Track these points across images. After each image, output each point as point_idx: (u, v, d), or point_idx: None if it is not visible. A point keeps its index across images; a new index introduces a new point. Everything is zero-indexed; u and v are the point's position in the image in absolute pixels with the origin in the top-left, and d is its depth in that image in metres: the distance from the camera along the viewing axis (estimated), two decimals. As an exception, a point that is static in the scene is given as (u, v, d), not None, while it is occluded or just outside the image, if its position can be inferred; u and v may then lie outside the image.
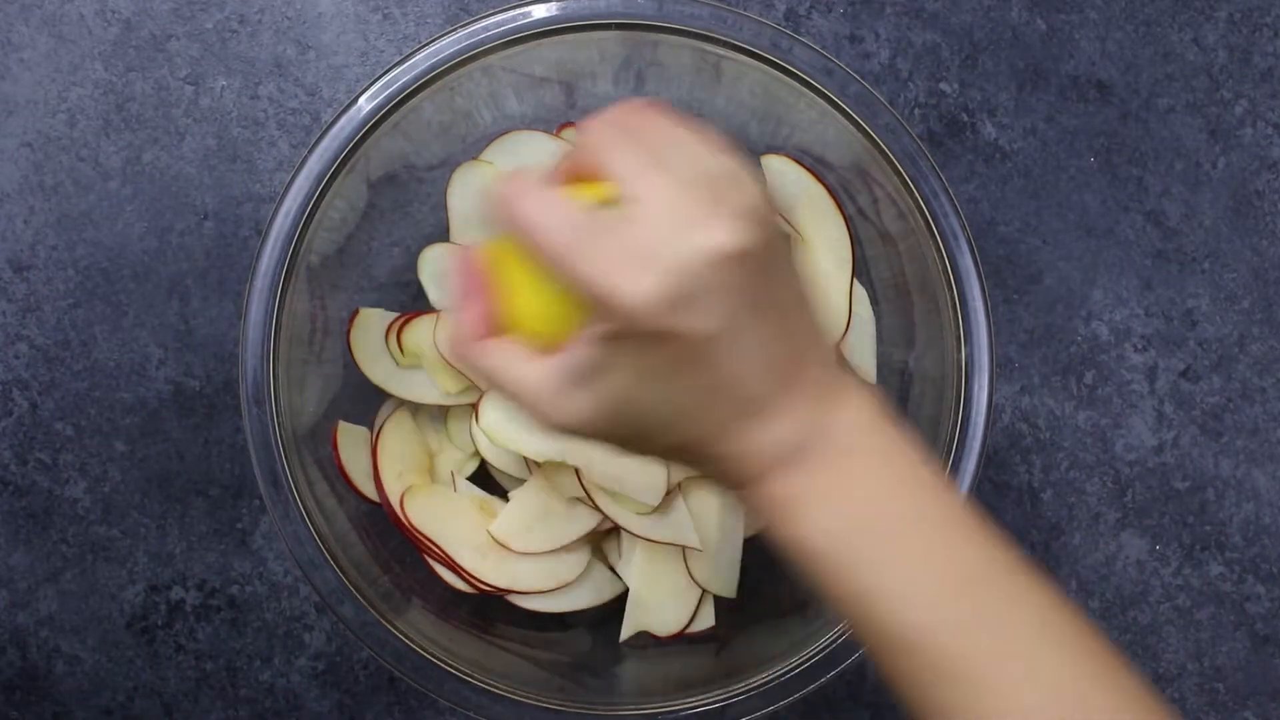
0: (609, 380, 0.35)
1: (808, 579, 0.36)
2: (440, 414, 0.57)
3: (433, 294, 0.56)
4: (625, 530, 0.53)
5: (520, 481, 0.55)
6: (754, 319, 0.34)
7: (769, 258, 0.34)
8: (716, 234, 0.33)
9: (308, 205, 0.49)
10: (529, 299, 0.37)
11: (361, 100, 0.49)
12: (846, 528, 0.35)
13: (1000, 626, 0.34)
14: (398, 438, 0.55)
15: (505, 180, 0.36)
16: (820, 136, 0.53)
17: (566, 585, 0.54)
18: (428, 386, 0.55)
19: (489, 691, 0.48)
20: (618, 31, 0.50)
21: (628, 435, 0.37)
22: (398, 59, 0.49)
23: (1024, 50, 0.62)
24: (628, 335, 0.34)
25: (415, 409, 0.56)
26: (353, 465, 0.53)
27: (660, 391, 0.35)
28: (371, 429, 0.55)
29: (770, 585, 0.55)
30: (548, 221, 0.34)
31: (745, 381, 0.35)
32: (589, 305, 0.34)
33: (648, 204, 0.33)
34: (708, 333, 0.34)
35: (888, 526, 0.35)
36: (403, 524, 0.53)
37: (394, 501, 0.53)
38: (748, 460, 0.36)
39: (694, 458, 0.37)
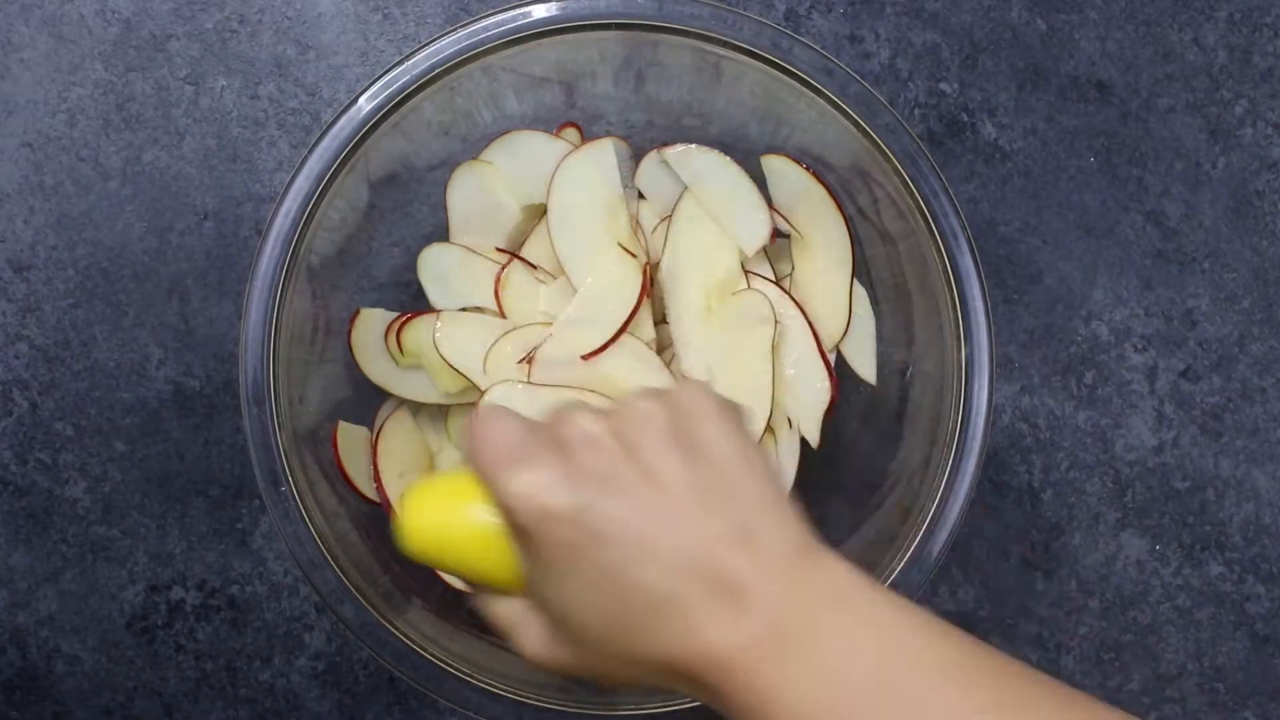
0: (542, 598, 0.38)
1: None
2: (440, 413, 0.57)
3: (432, 294, 0.56)
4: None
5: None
6: (641, 496, 0.36)
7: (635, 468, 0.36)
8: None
9: (308, 205, 0.49)
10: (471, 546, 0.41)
11: (361, 100, 0.49)
12: (857, 698, 0.33)
13: None
14: (398, 438, 0.55)
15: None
16: (820, 136, 0.53)
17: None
18: (427, 386, 0.55)
19: (489, 691, 0.48)
20: (618, 31, 0.50)
21: (588, 656, 0.38)
22: (398, 59, 0.49)
23: (1024, 50, 0.62)
24: (522, 531, 0.37)
25: (415, 409, 0.56)
26: (353, 465, 0.53)
27: (577, 589, 0.36)
28: (371, 429, 0.55)
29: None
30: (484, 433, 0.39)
31: (660, 556, 0.35)
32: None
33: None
34: (569, 509, 0.36)
35: (866, 700, 0.33)
36: None
37: (394, 501, 0.53)
38: (717, 651, 0.34)
39: (659, 664, 0.35)
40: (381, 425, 0.55)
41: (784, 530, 0.36)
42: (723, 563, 0.34)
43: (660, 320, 0.55)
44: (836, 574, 0.35)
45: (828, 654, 0.33)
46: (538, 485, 0.36)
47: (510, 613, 0.41)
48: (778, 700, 0.33)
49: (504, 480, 0.37)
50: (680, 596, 0.34)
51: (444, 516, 0.41)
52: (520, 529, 0.37)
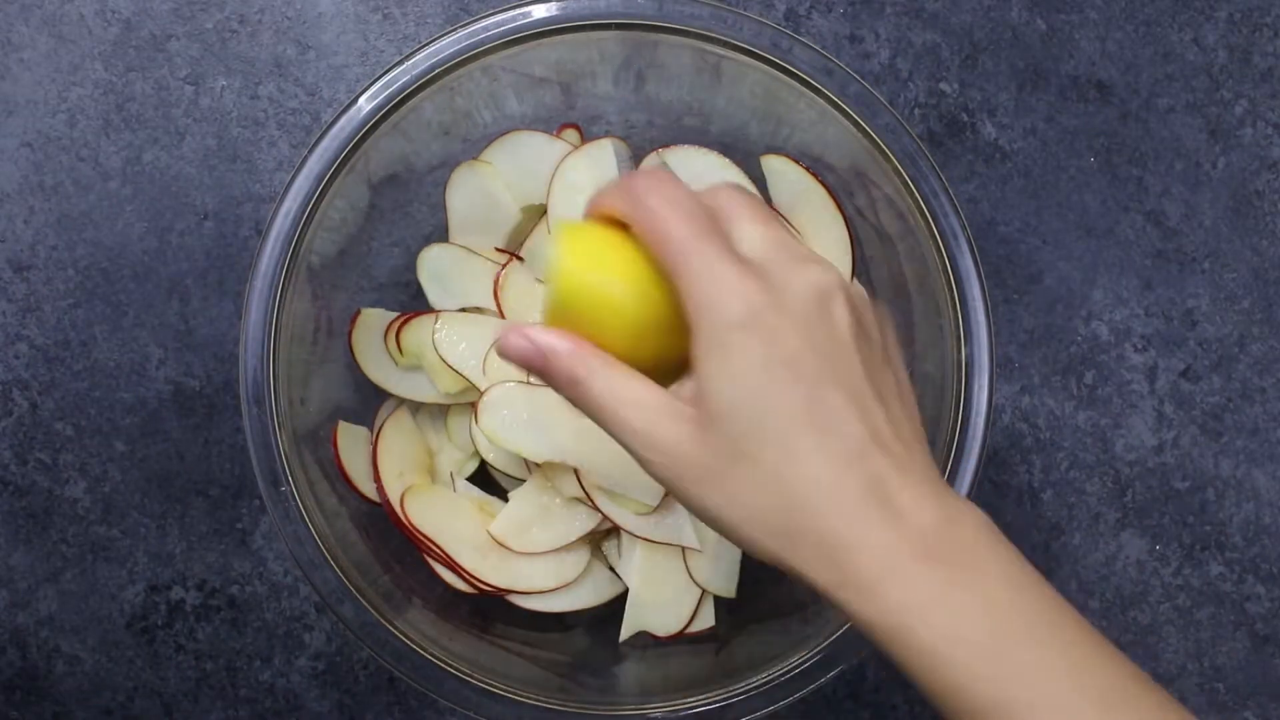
0: (709, 389, 0.34)
1: (924, 689, 0.34)
2: (440, 413, 0.57)
3: (432, 294, 0.56)
4: (625, 531, 0.53)
5: (520, 481, 0.55)
6: (864, 361, 0.35)
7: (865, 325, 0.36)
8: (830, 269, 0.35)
9: (308, 205, 0.49)
10: (625, 311, 0.36)
11: (361, 100, 0.49)
12: (985, 636, 0.33)
13: None
14: (398, 437, 0.55)
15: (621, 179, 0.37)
16: (820, 136, 0.53)
17: (566, 585, 0.54)
18: (427, 386, 0.55)
19: (489, 691, 0.48)
20: (618, 31, 0.50)
21: (726, 477, 0.35)
22: (398, 59, 0.49)
23: (1024, 50, 0.62)
24: (754, 322, 0.34)
25: (415, 408, 0.56)
26: (353, 465, 0.53)
27: (791, 381, 0.34)
28: (371, 429, 0.55)
29: (770, 585, 0.55)
30: (674, 209, 0.35)
31: (870, 418, 0.34)
32: (680, 326, 0.35)
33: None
34: (840, 334, 0.35)
35: (1029, 636, 0.33)
36: (403, 524, 0.53)
37: (394, 501, 0.53)
38: (869, 555, 0.33)
39: (813, 536, 0.34)
40: (381, 425, 0.55)
41: (927, 459, 0.36)
42: (884, 467, 0.34)
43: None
44: (979, 517, 0.36)
45: (988, 578, 0.34)
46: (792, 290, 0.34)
47: (649, 399, 0.35)
48: (926, 615, 0.33)
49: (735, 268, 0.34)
50: (843, 483, 0.34)
51: (613, 266, 0.36)
52: (712, 310, 0.34)
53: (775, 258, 0.35)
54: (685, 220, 0.35)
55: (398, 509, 0.53)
